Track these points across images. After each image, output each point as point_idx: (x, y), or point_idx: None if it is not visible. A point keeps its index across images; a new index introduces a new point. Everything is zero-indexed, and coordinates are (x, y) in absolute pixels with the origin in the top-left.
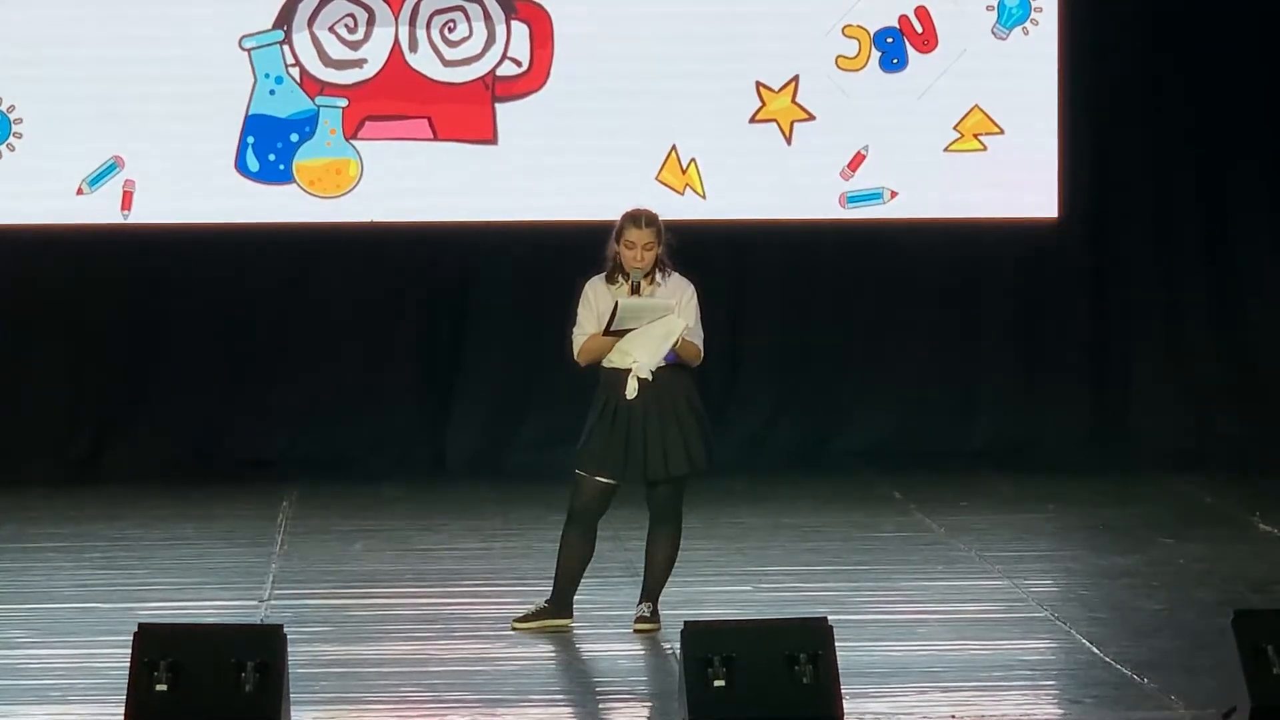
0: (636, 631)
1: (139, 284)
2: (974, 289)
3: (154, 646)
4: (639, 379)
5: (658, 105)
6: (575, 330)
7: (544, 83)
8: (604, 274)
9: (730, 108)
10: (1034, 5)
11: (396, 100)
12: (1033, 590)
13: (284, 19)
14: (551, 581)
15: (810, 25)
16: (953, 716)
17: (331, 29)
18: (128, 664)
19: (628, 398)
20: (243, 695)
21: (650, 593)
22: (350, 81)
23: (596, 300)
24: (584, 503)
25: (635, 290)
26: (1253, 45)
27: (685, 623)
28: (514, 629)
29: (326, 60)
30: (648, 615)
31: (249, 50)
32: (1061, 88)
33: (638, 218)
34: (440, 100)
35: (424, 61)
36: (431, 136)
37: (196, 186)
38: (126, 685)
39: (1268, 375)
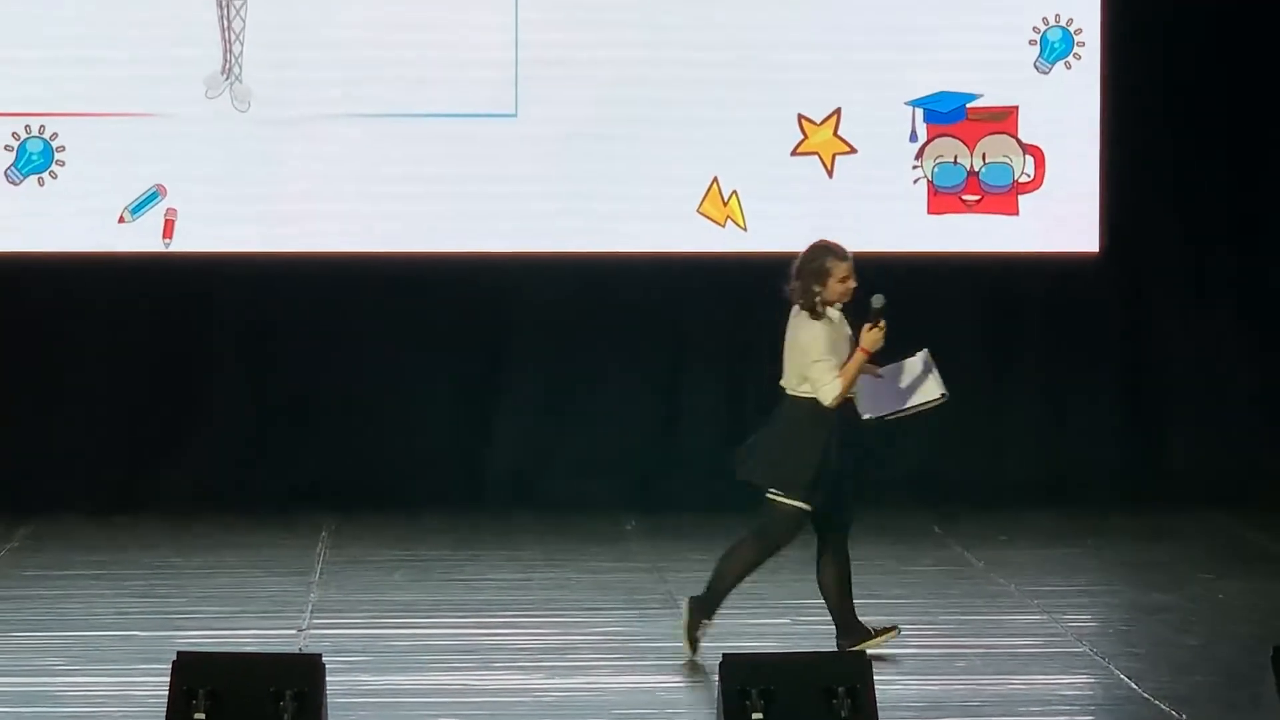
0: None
1: (179, 312)
2: (1014, 321)
3: (193, 675)
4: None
5: (699, 137)
6: (824, 369)
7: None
8: (807, 313)
9: (772, 140)
10: (1077, 40)
11: None
12: (1071, 625)
13: None
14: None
15: (852, 58)
16: None
17: None
18: (166, 692)
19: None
20: None
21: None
22: None
23: (829, 333)
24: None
25: (876, 321)
26: None
27: (724, 655)
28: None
29: None
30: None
31: None
32: (1104, 123)
33: (842, 253)
34: None
35: None
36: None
37: (237, 215)
38: (165, 713)
39: None
